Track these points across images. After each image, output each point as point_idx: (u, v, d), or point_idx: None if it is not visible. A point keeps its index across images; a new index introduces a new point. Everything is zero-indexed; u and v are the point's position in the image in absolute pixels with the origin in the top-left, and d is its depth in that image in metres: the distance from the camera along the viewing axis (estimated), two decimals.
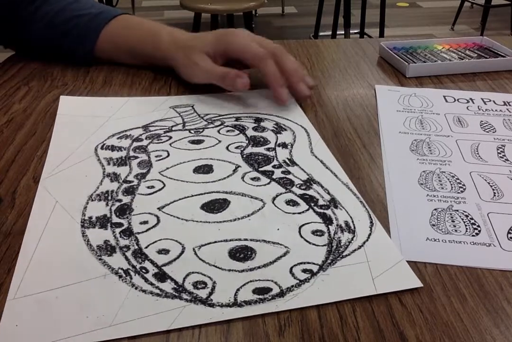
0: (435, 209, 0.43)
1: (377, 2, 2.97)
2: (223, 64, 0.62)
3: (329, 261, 0.37)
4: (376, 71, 0.72)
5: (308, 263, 0.37)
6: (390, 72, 0.71)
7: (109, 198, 0.43)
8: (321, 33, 3.18)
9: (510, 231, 0.40)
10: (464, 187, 0.46)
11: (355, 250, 0.38)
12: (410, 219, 0.42)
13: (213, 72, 0.60)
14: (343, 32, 2.84)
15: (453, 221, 0.42)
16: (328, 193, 0.44)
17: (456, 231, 0.40)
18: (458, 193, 0.45)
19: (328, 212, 0.42)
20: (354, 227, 0.40)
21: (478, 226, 0.41)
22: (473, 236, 0.40)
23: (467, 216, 0.42)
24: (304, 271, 0.36)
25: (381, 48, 0.76)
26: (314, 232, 0.40)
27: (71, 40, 0.68)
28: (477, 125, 0.57)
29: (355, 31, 3.09)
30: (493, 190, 0.45)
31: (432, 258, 0.38)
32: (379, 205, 0.44)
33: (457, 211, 0.43)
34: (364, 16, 3.03)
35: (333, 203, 0.43)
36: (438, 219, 0.42)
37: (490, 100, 0.63)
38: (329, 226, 0.40)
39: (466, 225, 0.41)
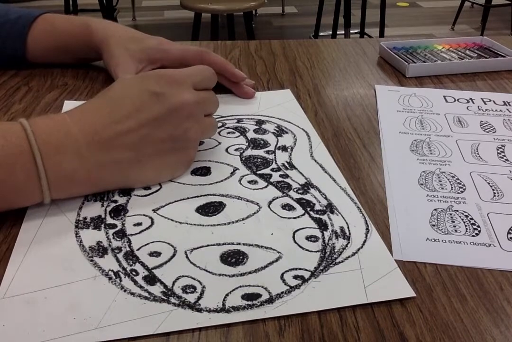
0: (435, 209, 0.43)
1: (377, 2, 2.97)
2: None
3: (321, 268, 0.36)
4: (376, 71, 0.72)
5: (300, 269, 0.36)
6: (390, 72, 0.71)
7: (105, 198, 0.43)
8: (321, 33, 3.18)
9: (510, 231, 0.40)
10: (464, 187, 0.46)
11: (348, 256, 0.37)
12: (410, 219, 0.42)
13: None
14: (343, 32, 2.84)
15: (453, 221, 0.42)
16: (325, 198, 0.44)
17: (456, 231, 0.40)
18: (458, 193, 0.45)
19: (324, 217, 0.41)
20: (349, 233, 0.40)
21: (478, 226, 0.41)
22: (473, 236, 0.40)
23: (467, 216, 0.42)
24: (296, 277, 0.36)
25: (381, 48, 0.76)
26: (308, 238, 0.39)
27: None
28: (477, 125, 0.57)
29: (355, 31, 3.09)
30: (493, 190, 0.45)
31: (432, 258, 0.38)
32: (379, 205, 0.44)
33: (457, 211, 0.43)
34: (364, 16, 3.03)
35: (330, 208, 0.43)
36: (438, 219, 0.42)
37: (490, 100, 0.63)
38: (324, 232, 0.40)
39: (466, 225, 0.41)
